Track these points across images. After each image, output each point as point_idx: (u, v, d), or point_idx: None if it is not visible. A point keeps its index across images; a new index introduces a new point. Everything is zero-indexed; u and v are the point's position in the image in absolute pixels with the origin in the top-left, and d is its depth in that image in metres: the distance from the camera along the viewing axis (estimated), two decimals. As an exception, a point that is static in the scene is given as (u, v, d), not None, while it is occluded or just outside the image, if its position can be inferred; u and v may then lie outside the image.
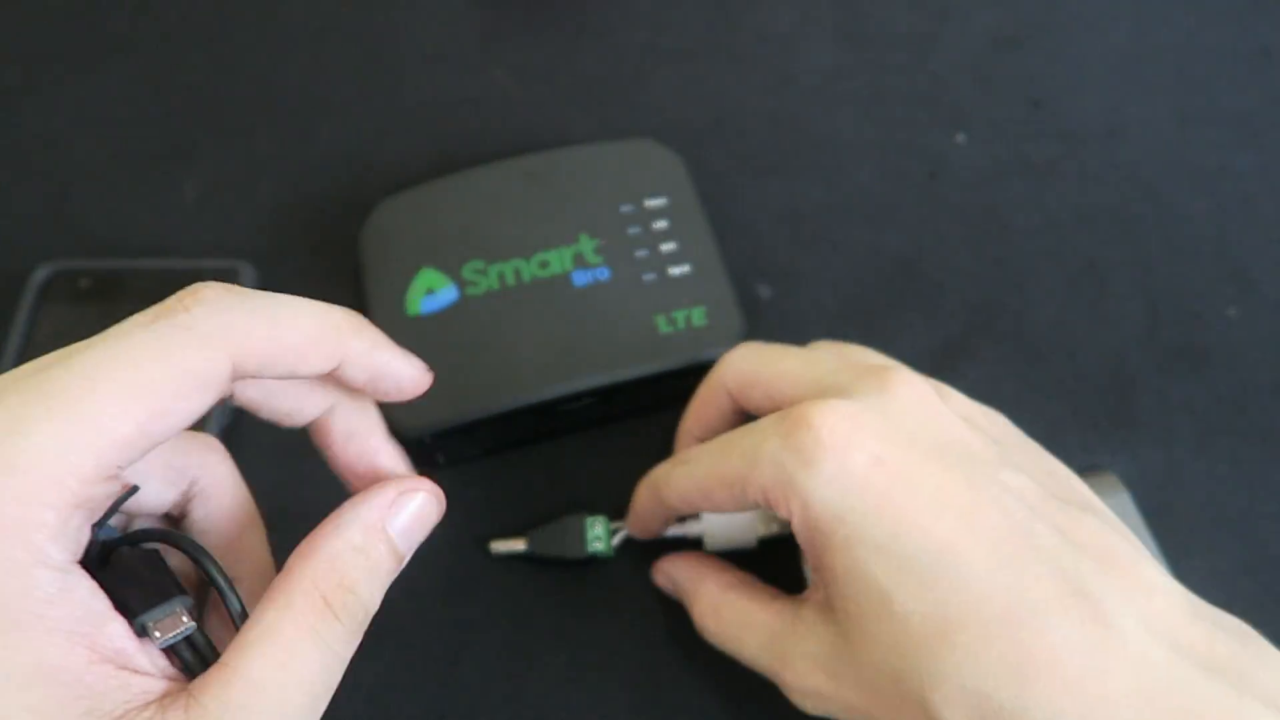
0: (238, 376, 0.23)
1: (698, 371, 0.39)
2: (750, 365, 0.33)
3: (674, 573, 0.36)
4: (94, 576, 0.22)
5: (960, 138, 0.49)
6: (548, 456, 0.40)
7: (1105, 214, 0.46)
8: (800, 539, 0.29)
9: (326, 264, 0.45)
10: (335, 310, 0.25)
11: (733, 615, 0.32)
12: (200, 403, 0.22)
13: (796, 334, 0.37)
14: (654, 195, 0.42)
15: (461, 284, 0.40)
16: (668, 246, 0.41)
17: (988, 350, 0.42)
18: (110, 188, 0.48)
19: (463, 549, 0.38)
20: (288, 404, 0.27)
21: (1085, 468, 0.32)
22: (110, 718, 0.20)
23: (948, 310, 0.43)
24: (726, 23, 0.53)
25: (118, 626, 0.22)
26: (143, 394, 0.21)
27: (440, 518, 0.27)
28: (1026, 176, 0.47)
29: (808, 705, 0.30)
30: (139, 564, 0.24)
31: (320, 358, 0.24)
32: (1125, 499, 0.36)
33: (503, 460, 0.40)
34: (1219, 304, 0.43)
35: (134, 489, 0.24)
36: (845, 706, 0.28)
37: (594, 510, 0.38)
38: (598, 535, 0.37)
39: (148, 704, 0.21)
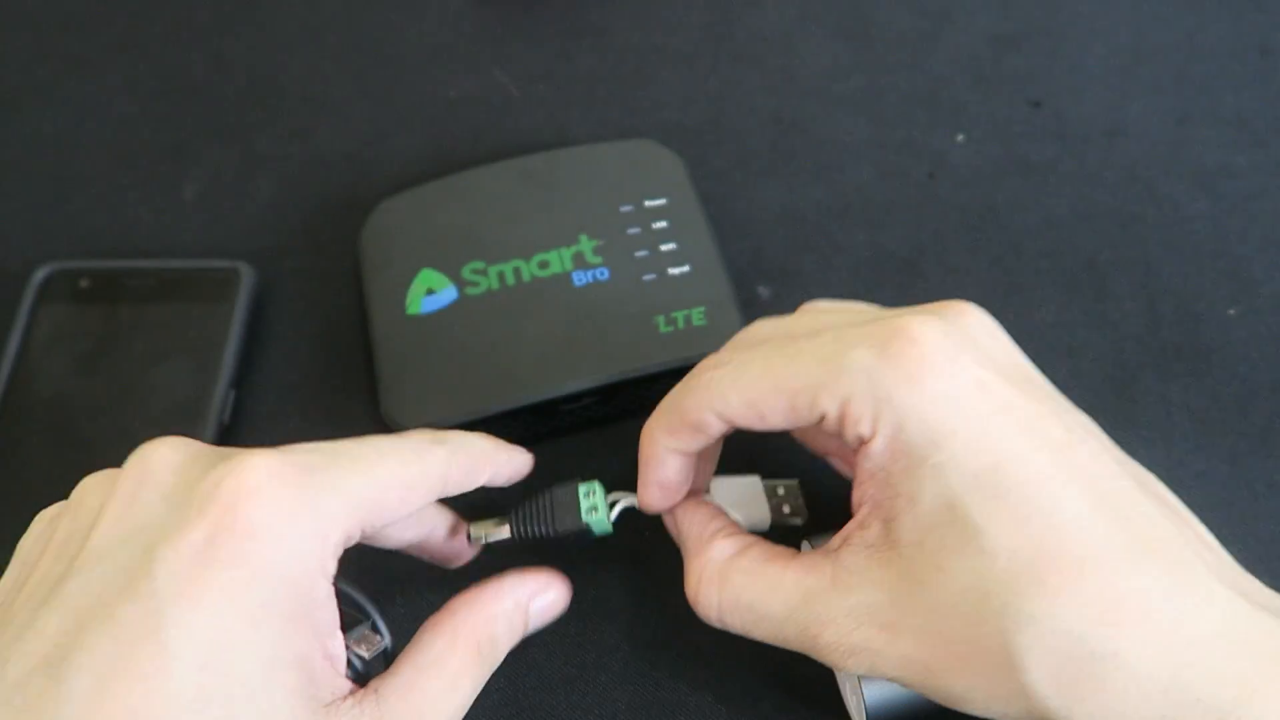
0: (442, 494, 0.30)
1: (698, 371, 0.39)
2: (780, 327, 0.30)
3: (681, 524, 0.33)
4: None
5: (960, 138, 0.49)
6: (548, 456, 0.40)
7: (1105, 214, 0.46)
8: (873, 462, 0.26)
9: (326, 264, 0.45)
10: (484, 437, 0.33)
11: (749, 582, 0.29)
12: (425, 503, 0.29)
13: (796, 334, 0.37)
14: (654, 195, 0.42)
15: (461, 284, 0.40)
16: (667, 246, 0.41)
17: (988, 350, 0.42)
18: (110, 188, 0.48)
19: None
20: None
21: (1085, 468, 0.32)
22: (323, 704, 0.25)
23: (948, 310, 0.43)
24: (726, 23, 0.53)
25: (340, 636, 0.26)
26: (411, 486, 0.28)
27: (564, 610, 0.32)
28: (1026, 176, 0.47)
29: (851, 664, 0.27)
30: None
31: (489, 475, 0.32)
32: (1125, 499, 0.36)
33: (503, 460, 0.40)
34: (1219, 304, 0.43)
35: None
36: (900, 661, 0.26)
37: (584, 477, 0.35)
38: (593, 505, 0.33)
39: (345, 697, 0.26)
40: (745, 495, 0.34)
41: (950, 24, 0.53)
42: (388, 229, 0.43)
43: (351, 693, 0.26)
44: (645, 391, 0.39)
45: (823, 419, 0.27)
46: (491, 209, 0.42)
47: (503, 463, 0.32)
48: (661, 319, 0.39)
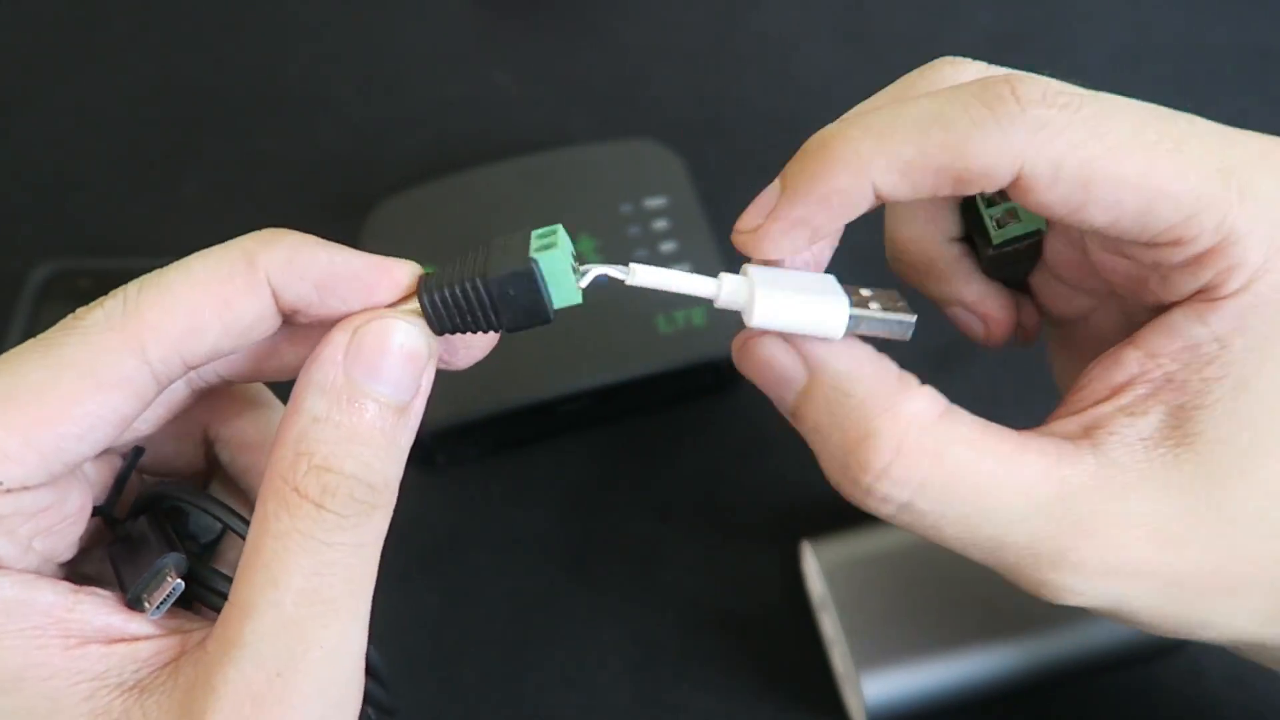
0: (165, 365, 0.21)
1: (698, 371, 0.39)
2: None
3: (839, 358, 0.22)
4: (112, 557, 0.22)
5: (960, 138, 0.49)
6: (547, 456, 0.40)
7: (1105, 214, 0.46)
8: (1201, 327, 0.21)
9: (326, 264, 0.45)
10: (243, 239, 0.22)
11: (975, 459, 0.21)
12: (113, 403, 0.20)
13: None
14: (654, 195, 0.42)
15: (461, 284, 0.40)
16: (668, 246, 0.41)
17: (987, 350, 0.42)
18: (110, 187, 0.48)
19: (461, 549, 0.38)
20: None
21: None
22: (123, 690, 0.19)
23: (948, 310, 0.43)
24: (726, 23, 0.53)
25: (89, 605, 0.20)
26: (20, 402, 0.19)
27: (434, 336, 0.21)
28: (1026, 176, 0.47)
29: (1098, 590, 0.21)
30: (144, 534, 0.23)
31: (245, 298, 0.21)
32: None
33: (503, 460, 0.40)
34: (1219, 304, 0.43)
35: (134, 458, 0.23)
36: (1168, 583, 0.21)
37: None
38: (563, 269, 0.22)
39: (164, 665, 0.20)
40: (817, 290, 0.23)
41: (950, 24, 0.53)
42: (388, 228, 0.43)
43: (184, 651, 0.20)
44: (645, 392, 0.39)
45: (1158, 243, 0.20)
46: (491, 208, 0.42)
47: (281, 263, 0.22)
48: (662, 319, 0.39)
